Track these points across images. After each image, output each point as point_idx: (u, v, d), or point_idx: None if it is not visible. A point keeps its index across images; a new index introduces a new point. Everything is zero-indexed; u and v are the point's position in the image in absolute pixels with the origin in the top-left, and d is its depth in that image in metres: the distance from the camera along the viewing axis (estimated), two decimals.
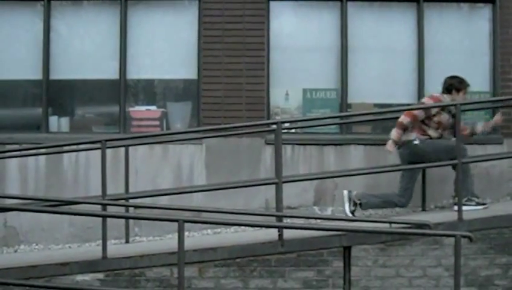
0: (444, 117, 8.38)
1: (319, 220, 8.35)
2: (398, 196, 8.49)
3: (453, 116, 8.18)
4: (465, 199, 8.15)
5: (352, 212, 8.51)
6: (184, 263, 6.07)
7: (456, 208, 7.82)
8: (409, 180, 8.49)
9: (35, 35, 9.60)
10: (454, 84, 8.52)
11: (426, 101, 8.48)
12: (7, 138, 9.34)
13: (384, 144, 8.48)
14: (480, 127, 8.74)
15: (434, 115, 8.36)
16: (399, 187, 8.52)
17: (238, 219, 7.43)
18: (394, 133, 8.39)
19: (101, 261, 7.29)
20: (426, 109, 8.32)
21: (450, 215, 7.85)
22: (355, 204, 8.50)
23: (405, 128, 8.40)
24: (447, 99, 8.47)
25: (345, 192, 8.58)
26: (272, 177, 7.89)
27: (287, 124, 9.09)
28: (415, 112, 8.35)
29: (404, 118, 8.35)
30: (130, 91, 9.70)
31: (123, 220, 8.07)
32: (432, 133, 8.42)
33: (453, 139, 8.29)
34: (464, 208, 7.81)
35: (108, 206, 7.43)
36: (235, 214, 7.54)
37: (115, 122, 9.61)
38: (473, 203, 8.32)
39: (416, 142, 8.37)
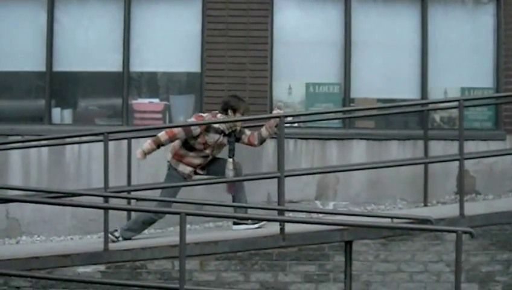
0: (211, 137, 7.58)
1: (320, 215, 8.36)
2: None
3: (228, 135, 7.64)
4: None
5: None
6: (185, 256, 6.08)
7: None
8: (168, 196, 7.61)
9: (39, 26, 9.60)
10: (230, 103, 7.66)
11: (190, 121, 7.71)
12: (10, 129, 9.34)
13: (387, 139, 8.44)
14: (264, 130, 7.80)
15: (198, 136, 7.53)
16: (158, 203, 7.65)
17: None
18: (146, 144, 7.59)
19: (102, 253, 7.29)
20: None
21: (452, 211, 7.85)
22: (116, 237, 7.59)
23: (160, 145, 7.58)
24: (220, 118, 7.65)
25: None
26: (274, 171, 7.88)
27: (289, 118, 9.09)
28: (175, 130, 7.53)
29: (162, 135, 7.54)
30: (133, 84, 9.70)
31: (125, 213, 8.07)
32: (191, 160, 7.66)
33: (230, 159, 7.70)
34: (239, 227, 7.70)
35: (110, 199, 7.44)
36: (237, 208, 7.55)
37: (118, 115, 9.61)
38: (250, 221, 7.78)
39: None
